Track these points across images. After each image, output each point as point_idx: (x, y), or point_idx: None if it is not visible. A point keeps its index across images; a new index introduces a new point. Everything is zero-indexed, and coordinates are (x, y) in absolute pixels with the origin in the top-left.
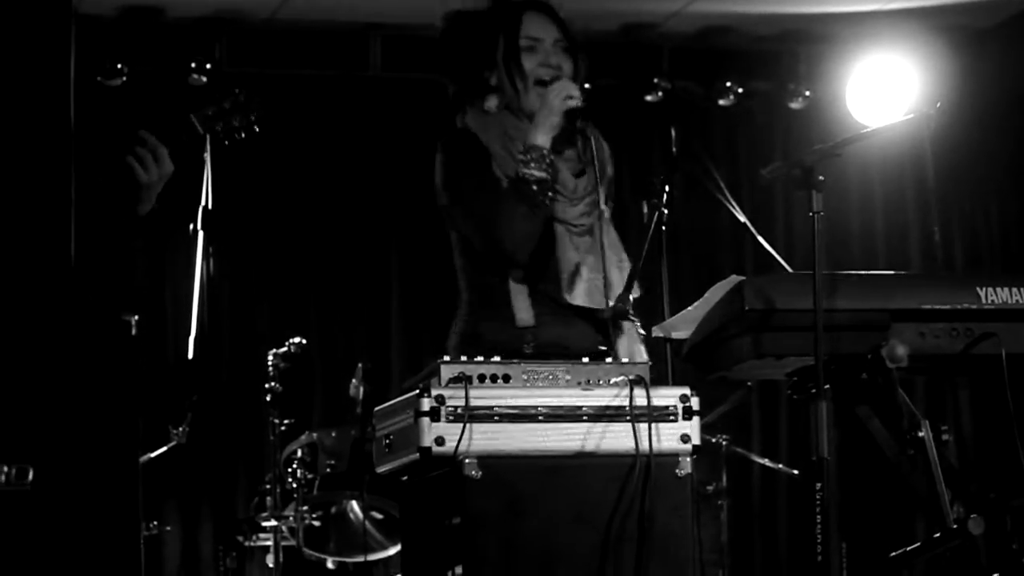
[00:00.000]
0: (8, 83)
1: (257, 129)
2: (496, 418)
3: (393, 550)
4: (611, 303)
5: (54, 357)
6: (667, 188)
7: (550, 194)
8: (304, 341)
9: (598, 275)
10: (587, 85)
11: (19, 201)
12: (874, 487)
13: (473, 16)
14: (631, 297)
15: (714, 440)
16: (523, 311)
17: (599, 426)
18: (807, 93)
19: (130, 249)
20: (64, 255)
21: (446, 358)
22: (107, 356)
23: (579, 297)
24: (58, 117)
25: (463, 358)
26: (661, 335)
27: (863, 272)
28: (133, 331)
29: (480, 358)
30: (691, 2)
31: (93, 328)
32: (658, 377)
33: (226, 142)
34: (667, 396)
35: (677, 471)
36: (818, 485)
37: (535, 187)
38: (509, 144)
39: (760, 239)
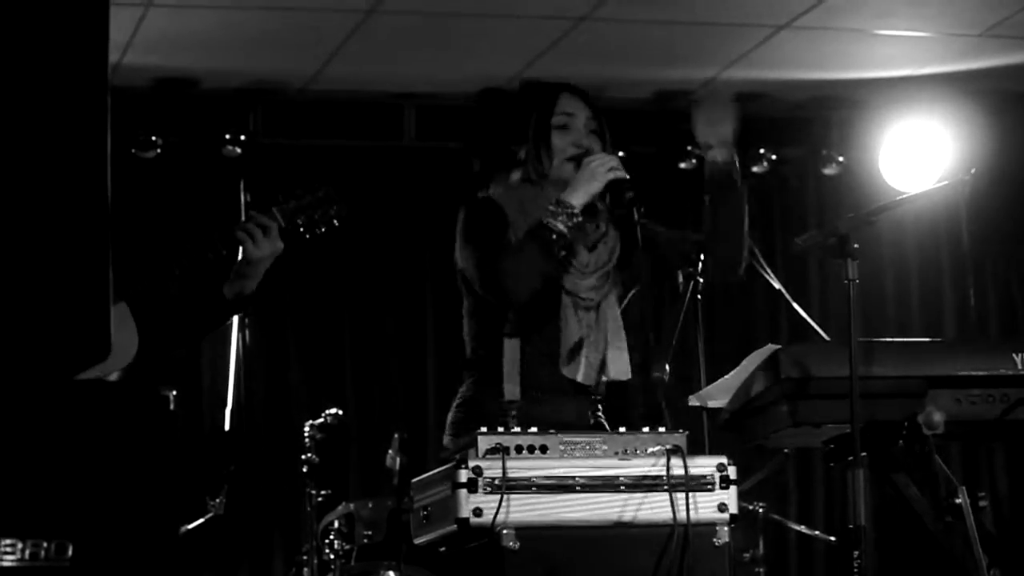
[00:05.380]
0: (44, 155)
1: (337, 224)
2: (534, 489)
3: None
4: (604, 380)
5: (92, 432)
6: (702, 257)
7: (563, 253)
8: (340, 412)
9: (598, 354)
10: (621, 152)
11: (56, 278)
12: (912, 554)
13: (506, 94)
14: (666, 367)
15: (751, 507)
16: (510, 384)
17: (636, 496)
18: (840, 159)
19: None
20: (103, 330)
21: (483, 429)
22: (146, 431)
23: (578, 374)
24: (95, 191)
25: (500, 429)
26: (698, 404)
27: (899, 339)
28: (171, 405)
29: (517, 428)
30: (724, 69)
31: (132, 403)
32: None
33: (307, 236)
34: (704, 465)
35: (715, 540)
36: (856, 553)
37: (554, 236)
38: (525, 212)
39: (796, 306)
